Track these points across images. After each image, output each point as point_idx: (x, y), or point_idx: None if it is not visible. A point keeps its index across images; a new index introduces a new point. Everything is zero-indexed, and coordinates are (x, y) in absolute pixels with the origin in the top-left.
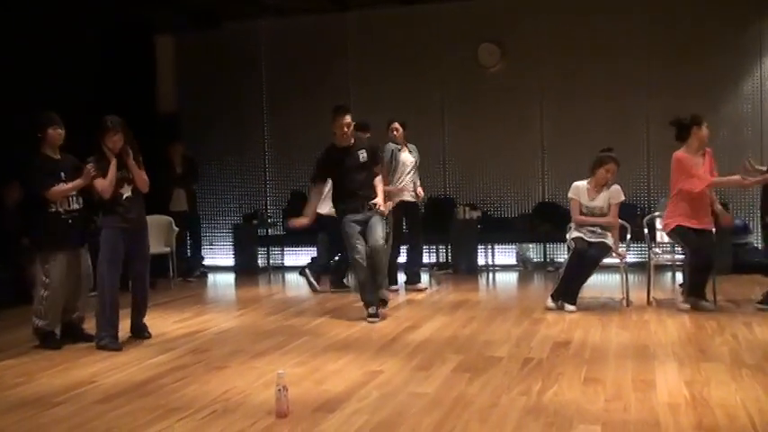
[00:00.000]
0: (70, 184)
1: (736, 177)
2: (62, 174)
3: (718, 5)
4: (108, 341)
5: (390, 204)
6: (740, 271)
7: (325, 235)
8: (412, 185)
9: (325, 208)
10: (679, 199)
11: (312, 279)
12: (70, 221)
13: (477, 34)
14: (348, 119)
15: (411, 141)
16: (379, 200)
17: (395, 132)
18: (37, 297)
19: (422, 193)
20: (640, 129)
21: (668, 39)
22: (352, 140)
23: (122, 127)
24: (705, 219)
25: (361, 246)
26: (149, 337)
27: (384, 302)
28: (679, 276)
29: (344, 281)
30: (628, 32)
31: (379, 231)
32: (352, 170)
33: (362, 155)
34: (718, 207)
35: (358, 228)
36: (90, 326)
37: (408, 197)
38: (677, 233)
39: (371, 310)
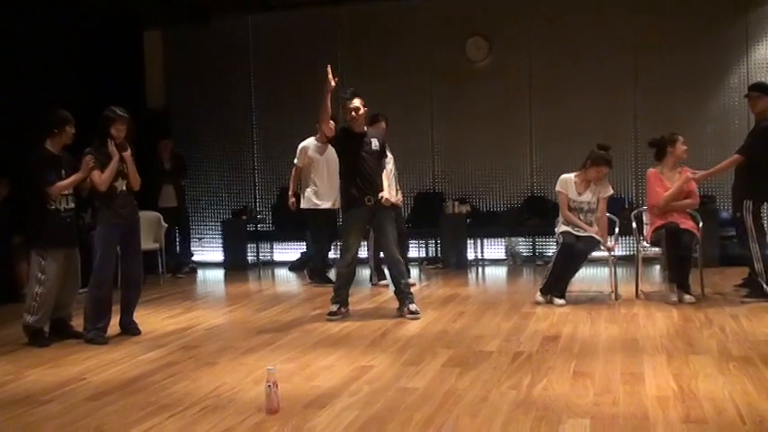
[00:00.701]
0: (70, 179)
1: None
2: (62, 171)
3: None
4: (95, 334)
5: (400, 197)
6: (728, 263)
7: (314, 228)
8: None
9: (328, 202)
10: (652, 213)
11: (322, 279)
12: (68, 220)
13: (465, 28)
14: (356, 103)
15: (399, 136)
16: (385, 192)
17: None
18: (30, 293)
19: (396, 199)
20: (628, 122)
21: (655, 33)
22: (365, 128)
23: (128, 119)
24: (679, 219)
25: (351, 256)
26: (139, 333)
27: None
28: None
29: (327, 274)
30: (615, 26)
31: (390, 238)
32: (366, 156)
33: (375, 142)
34: (699, 174)
35: (360, 226)
36: (78, 323)
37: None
38: (656, 237)
39: (333, 307)
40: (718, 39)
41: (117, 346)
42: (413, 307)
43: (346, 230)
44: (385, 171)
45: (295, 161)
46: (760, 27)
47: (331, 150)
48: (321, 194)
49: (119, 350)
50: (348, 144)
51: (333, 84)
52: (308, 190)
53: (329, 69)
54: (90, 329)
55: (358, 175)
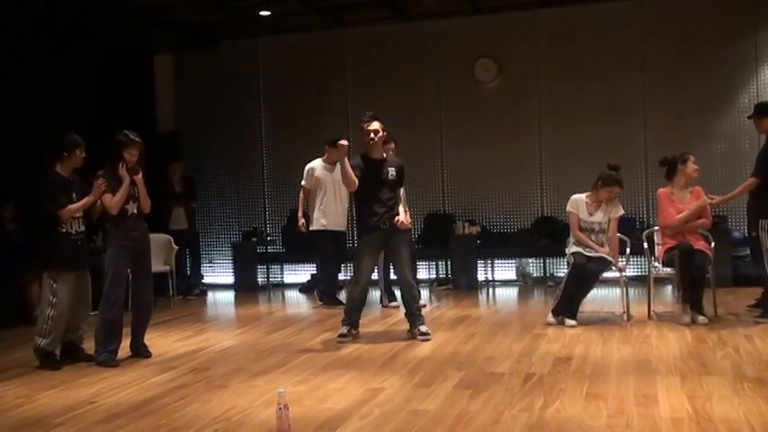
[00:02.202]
0: (81, 202)
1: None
2: (74, 195)
3: (712, 20)
4: (105, 357)
5: (409, 218)
6: (740, 283)
7: (322, 250)
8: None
9: (336, 224)
10: (663, 233)
11: (331, 301)
12: (79, 243)
13: (474, 50)
14: (374, 125)
15: (408, 157)
16: (401, 216)
17: (390, 152)
18: (42, 316)
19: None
20: (638, 142)
21: (664, 53)
22: (385, 155)
23: (141, 143)
24: (691, 240)
25: (364, 280)
26: (150, 356)
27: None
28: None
29: (338, 296)
30: (624, 47)
31: (404, 262)
32: (381, 185)
33: (392, 172)
34: (716, 199)
35: (374, 251)
36: (89, 346)
37: None
38: (669, 257)
39: (344, 329)
40: (727, 59)
41: (128, 369)
42: (423, 328)
43: (359, 256)
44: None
45: (302, 183)
46: None
47: (338, 171)
48: (329, 216)
49: (129, 373)
50: (365, 171)
51: (345, 145)
52: (316, 211)
53: (343, 142)
54: (101, 352)
55: (374, 201)
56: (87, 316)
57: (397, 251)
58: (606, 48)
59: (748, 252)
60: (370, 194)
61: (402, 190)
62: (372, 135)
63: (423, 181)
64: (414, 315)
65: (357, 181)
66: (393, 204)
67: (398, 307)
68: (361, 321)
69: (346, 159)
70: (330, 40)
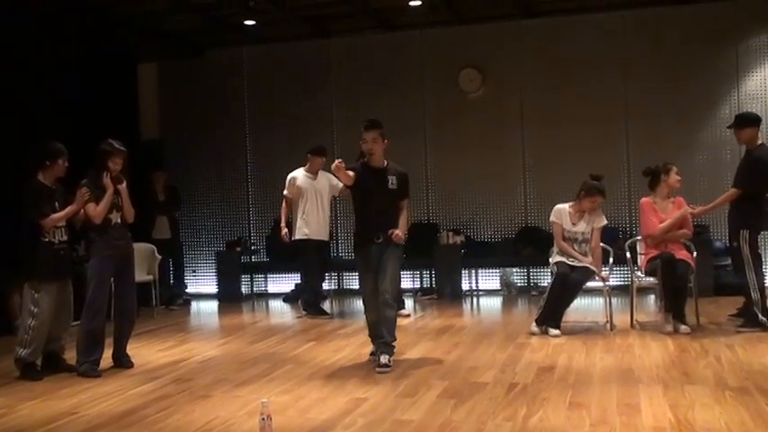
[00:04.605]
0: (64, 211)
1: (679, 214)
2: (56, 204)
3: (694, 30)
4: (87, 367)
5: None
6: (722, 293)
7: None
8: None
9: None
10: (646, 243)
11: (316, 311)
12: (62, 252)
13: (458, 60)
14: (372, 134)
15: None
16: (398, 231)
17: None
18: (23, 326)
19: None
20: (621, 152)
21: (646, 63)
22: (386, 163)
23: (126, 152)
24: (674, 249)
25: (371, 287)
26: (132, 366)
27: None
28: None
29: (321, 306)
30: (607, 59)
31: (388, 274)
32: (379, 194)
33: (392, 180)
34: (698, 209)
35: (372, 265)
36: (71, 356)
37: None
38: (651, 267)
39: (383, 359)
40: (709, 69)
41: (109, 380)
42: (384, 359)
43: (359, 273)
44: (403, 213)
45: (284, 192)
46: (750, 58)
47: (321, 181)
48: (311, 225)
49: (111, 383)
50: (364, 180)
51: (341, 166)
52: (299, 221)
53: (339, 164)
54: (82, 362)
55: (371, 213)
56: (69, 326)
57: (384, 265)
58: (589, 58)
59: (730, 262)
60: (365, 205)
61: (407, 202)
62: (371, 145)
63: None
64: (378, 341)
65: (351, 175)
66: (392, 216)
67: (409, 315)
68: (346, 330)
69: (343, 168)
70: (315, 50)
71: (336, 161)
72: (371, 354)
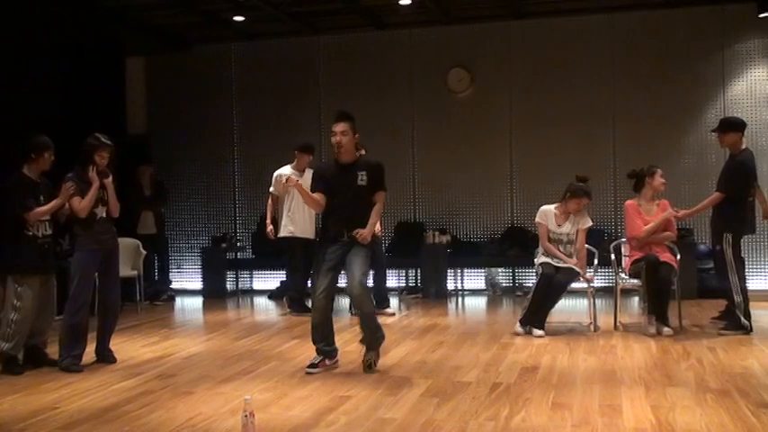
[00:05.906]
0: (48, 205)
1: (662, 216)
2: (41, 197)
3: (681, 35)
4: (69, 362)
5: (380, 230)
6: (705, 296)
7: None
8: None
9: (304, 231)
10: (630, 245)
11: (300, 308)
12: (46, 246)
13: (447, 60)
14: (340, 126)
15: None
16: (364, 230)
17: None
18: (5, 320)
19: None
20: (607, 154)
21: (633, 67)
22: (358, 156)
23: (112, 147)
24: (658, 252)
25: (323, 286)
26: (115, 361)
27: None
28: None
29: (306, 303)
30: (594, 61)
31: (356, 271)
32: (345, 192)
33: (362, 176)
34: (682, 213)
35: (330, 264)
36: (53, 350)
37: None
38: (635, 269)
39: (314, 359)
40: (695, 74)
41: (92, 375)
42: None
43: (316, 268)
44: (375, 207)
45: (271, 189)
46: (736, 64)
47: (307, 178)
48: (297, 223)
49: (93, 378)
50: (333, 176)
51: (295, 183)
52: (284, 218)
53: (292, 181)
54: (65, 357)
55: (335, 210)
56: (52, 320)
57: (350, 265)
58: (576, 60)
59: (713, 265)
60: (332, 203)
61: (383, 194)
62: (338, 137)
63: (393, 189)
64: (367, 338)
65: (320, 200)
66: (359, 214)
67: (394, 314)
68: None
69: (302, 188)
70: (304, 47)
71: (292, 178)
72: (309, 365)
